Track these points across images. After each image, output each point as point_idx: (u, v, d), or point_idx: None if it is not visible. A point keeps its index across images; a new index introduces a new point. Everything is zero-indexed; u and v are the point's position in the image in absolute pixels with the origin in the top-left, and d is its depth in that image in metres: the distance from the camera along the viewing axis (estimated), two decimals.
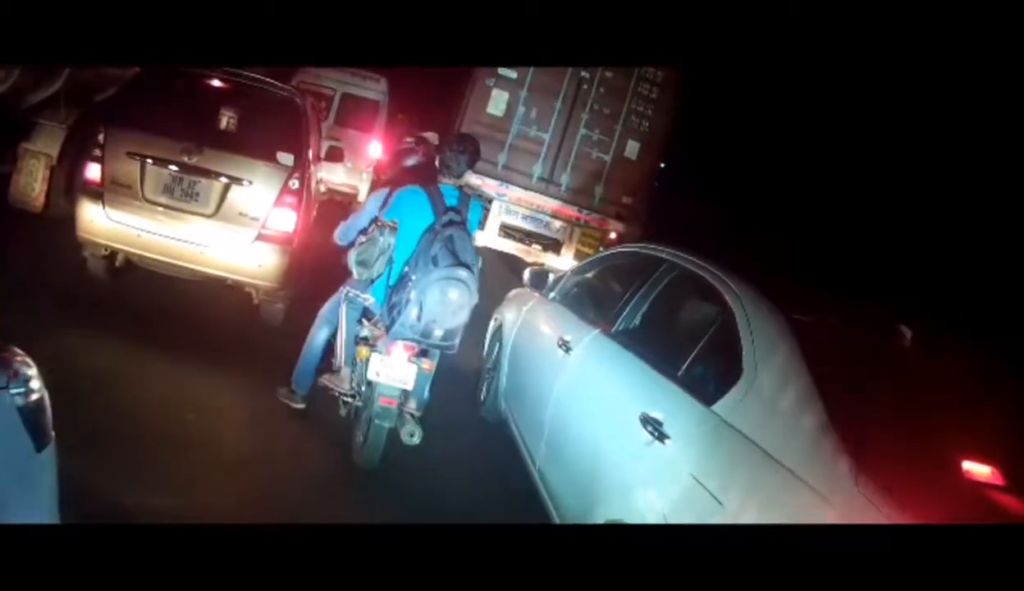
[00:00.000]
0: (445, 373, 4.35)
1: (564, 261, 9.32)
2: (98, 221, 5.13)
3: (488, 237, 9.06)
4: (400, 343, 3.79)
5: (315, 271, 5.77)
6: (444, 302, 3.66)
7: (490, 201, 9.01)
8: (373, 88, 11.24)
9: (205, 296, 5.86)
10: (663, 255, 3.81)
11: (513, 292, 5.79)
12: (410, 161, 4.41)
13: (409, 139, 4.65)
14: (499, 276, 10.57)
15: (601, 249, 9.51)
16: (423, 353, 3.92)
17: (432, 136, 5.43)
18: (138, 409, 4.00)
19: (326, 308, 4.35)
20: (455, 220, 3.81)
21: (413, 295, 3.66)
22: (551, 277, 5.07)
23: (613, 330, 3.77)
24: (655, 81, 9.19)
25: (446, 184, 3.97)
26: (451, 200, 3.90)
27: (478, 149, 4.10)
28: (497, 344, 5.33)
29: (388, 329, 3.82)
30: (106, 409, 3.83)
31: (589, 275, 4.88)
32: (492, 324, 5.64)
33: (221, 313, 5.88)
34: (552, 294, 4.91)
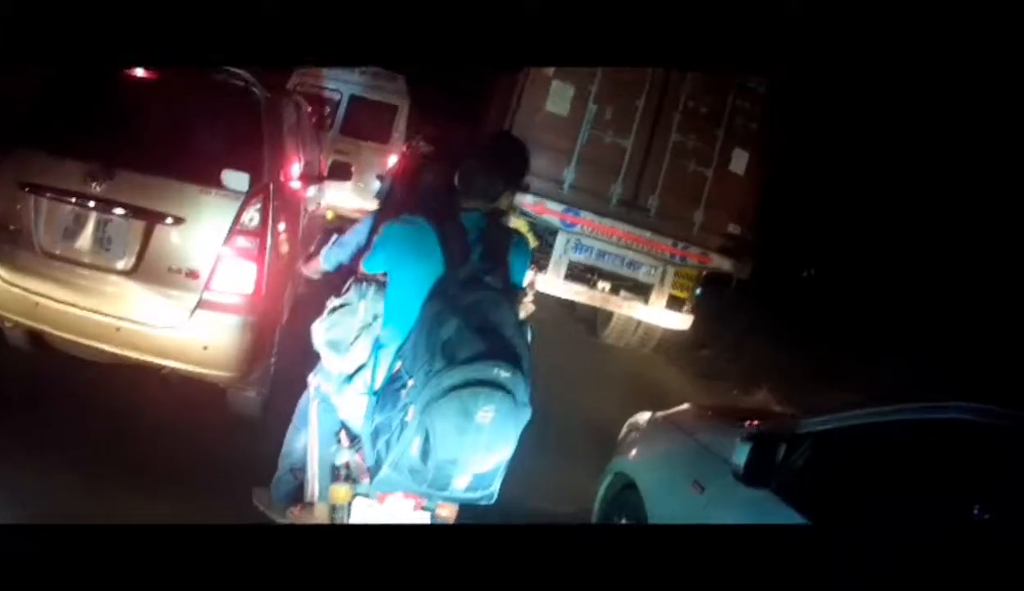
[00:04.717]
0: None
1: (654, 311, 7.01)
2: None
3: (551, 282, 6.91)
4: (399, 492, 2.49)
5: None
6: (468, 429, 2.17)
7: (553, 234, 6.84)
8: (388, 89, 9.36)
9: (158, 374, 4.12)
10: None
11: (643, 419, 3.46)
12: (426, 178, 3.04)
13: (422, 142, 3.31)
14: (558, 326, 8.17)
15: (698, 291, 7.21)
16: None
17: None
18: None
19: (305, 402, 3.06)
20: (483, 272, 2.35)
21: (412, 416, 2.21)
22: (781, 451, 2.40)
23: None
24: None
25: (470, 211, 2.48)
26: (476, 237, 2.46)
27: (524, 157, 2.63)
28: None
29: (371, 472, 2.42)
30: None
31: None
32: (608, 480, 3.38)
33: (183, 397, 4.07)
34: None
